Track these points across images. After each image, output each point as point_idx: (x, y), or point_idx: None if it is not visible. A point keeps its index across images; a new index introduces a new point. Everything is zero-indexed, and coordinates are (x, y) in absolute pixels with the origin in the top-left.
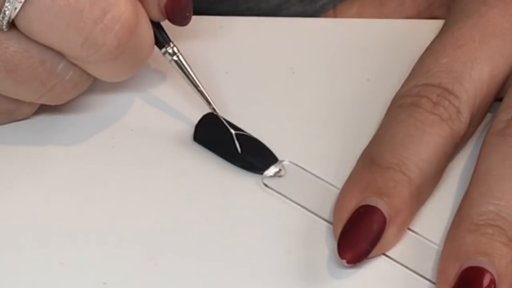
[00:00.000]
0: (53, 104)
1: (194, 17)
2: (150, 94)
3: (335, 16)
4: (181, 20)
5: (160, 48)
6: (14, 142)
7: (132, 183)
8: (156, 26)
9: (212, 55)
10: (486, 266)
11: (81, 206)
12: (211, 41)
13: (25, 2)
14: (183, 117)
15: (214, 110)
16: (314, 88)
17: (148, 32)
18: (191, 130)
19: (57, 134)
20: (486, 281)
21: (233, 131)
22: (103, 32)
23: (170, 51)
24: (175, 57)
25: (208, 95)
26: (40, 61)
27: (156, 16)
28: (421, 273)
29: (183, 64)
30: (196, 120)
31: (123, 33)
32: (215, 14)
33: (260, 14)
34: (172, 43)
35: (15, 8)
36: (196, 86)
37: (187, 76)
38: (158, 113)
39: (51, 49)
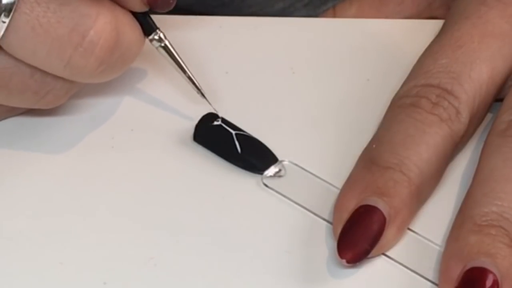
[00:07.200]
0: (48, 108)
1: (194, 17)
2: (150, 94)
3: (334, 16)
4: (163, 6)
5: (147, 35)
6: (14, 142)
7: (132, 183)
8: (142, 14)
9: (212, 55)
10: (490, 267)
11: (81, 206)
12: (211, 41)
13: (5, 30)
14: (183, 117)
15: (203, 95)
16: (314, 88)
17: (132, 37)
18: (191, 130)
19: (57, 134)
20: (489, 281)
21: (233, 131)
22: (83, 56)
23: (157, 37)
24: (162, 44)
25: (196, 81)
26: (30, 74)
27: (139, 7)
28: (421, 273)
29: (170, 50)
30: (196, 120)
31: (103, 53)
32: None
33: None
34: (159, 29)
35: None
36: (184, 72)
37: (175, 62)
38: (158, 113)
39: None
